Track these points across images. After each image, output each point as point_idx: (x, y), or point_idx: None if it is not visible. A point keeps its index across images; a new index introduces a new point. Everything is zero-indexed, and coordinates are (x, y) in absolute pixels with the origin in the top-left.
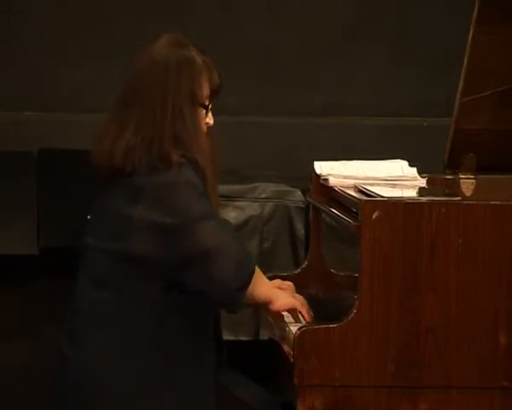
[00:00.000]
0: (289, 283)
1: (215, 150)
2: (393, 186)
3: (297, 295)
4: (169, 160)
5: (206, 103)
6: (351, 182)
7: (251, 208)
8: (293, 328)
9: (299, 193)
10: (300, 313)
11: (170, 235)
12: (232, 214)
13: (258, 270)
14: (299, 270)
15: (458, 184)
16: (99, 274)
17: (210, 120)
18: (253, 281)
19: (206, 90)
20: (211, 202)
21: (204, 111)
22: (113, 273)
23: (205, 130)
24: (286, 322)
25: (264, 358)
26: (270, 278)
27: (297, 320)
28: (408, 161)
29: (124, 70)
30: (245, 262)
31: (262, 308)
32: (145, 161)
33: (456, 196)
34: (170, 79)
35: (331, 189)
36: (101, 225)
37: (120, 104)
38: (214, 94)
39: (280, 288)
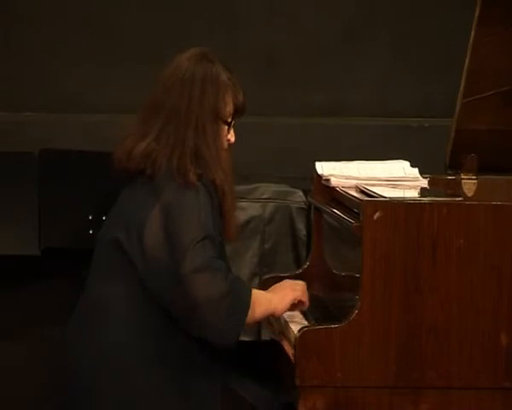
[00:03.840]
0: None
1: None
2: (395, 187)
3: (296, 281)
4: (186, 177)
5: (229, 120)
6: (352, 182)
7: (252, 209)
8: (295, 328)
9: (301, 193)
10: (301, 301)
11: (165, 279)
12: None
13: (254, 293)
14: (301, 270)
15: (460, 185)
16: (107, 271)
17: (232, 137)
18: (249, 313)
19: (229, 108)
20: (225, 224)
21: (226, 128)
22: (118, 273)
23: (226, 146)
24: (287, 321)
25: (265, 358)
26: (271, 279)
27: (296, 307)
28: (409, 162)
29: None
30: (236, 312)
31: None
32: (165, 168)
33: (458, 196)
34: (194, 92)
35: (333, 189)
36: (117, 224)
37: (146, 110)
38: (238, 112)
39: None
